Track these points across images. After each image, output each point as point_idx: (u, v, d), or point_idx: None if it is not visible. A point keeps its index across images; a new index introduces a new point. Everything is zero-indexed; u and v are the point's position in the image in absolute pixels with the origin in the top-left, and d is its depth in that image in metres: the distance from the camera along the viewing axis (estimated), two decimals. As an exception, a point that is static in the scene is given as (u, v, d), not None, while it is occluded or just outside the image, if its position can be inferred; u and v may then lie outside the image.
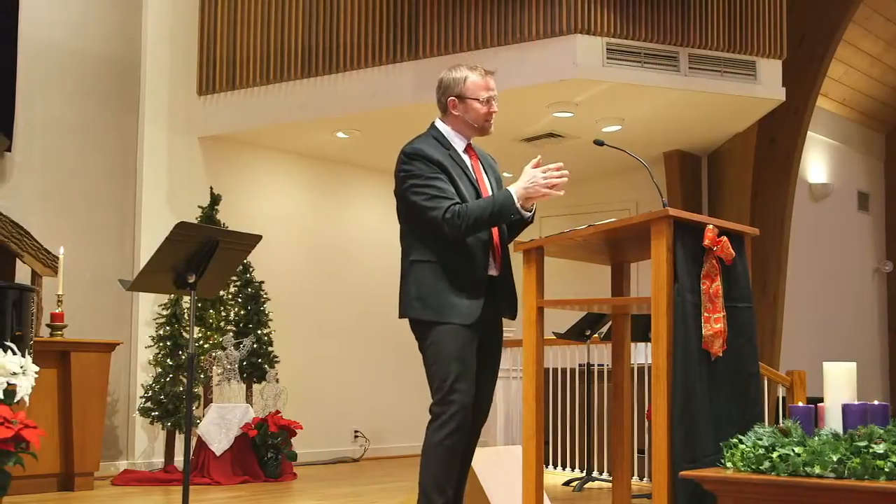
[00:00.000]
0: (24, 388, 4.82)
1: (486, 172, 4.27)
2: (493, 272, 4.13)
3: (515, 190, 3.98)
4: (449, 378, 3.98)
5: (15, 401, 4.75)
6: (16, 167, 7.88)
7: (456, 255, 4.03)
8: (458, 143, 4.22)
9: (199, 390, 8.26)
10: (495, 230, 4.14)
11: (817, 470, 3.16)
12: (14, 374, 4.79)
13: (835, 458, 3.15)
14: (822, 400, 3.57)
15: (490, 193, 4.16)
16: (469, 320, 4.00)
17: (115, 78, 8.61)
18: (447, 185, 4.04)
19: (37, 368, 5.04)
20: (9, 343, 4.95)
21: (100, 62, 8.51)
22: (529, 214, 4.12)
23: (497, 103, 4.25)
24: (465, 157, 4.21)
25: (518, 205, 3.97)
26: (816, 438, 3.28)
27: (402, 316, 4.15)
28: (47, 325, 7.29)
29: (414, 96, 7.91)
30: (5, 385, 4.70)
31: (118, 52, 8.63)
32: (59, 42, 8.24)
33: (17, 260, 7.31)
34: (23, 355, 5.05)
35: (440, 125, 4.26)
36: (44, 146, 8.08)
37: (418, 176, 4.05)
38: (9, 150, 7.73)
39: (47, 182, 8.08)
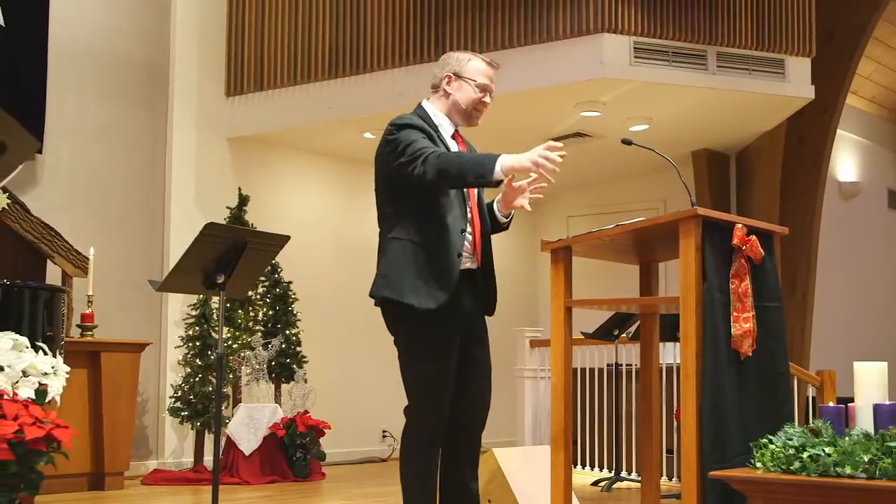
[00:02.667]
0: (56, 388, 4.85)
1: None
2: (471, 265, 3.95)
3: (503, 156, 3.67)
4: (422, 376, 3.89)
5: (46, 401, 4.78)
6: (46, 169, 7.94)
7: (431, 236, 3.84)
8: (447, 127, 4.04)
9: (228, 390, 8.30)
10: (477, 224, 3.97)
11: (848, 470, 3.14)
12: (45, 374, 4.82)
13: (866, 459, 3.13)
14: (852, 400, 3.55)
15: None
16: (435, 303, 3.79)
17: (144, 80, 8.66)
18: (428, 141, 3.84)
19: (68, 369, 5.07)
20: (40, 343, 4.98)
21: (129, 64, 8.56)
22: (506, 221, 4.05)
23: (491, 99, 4.04)
24: (453, 143, 4.02)
25: (498, 167, 3.63)
26: (847, 438, 3.25)
27: (371, 295, 3.98)
28: (78, 326, 7.35)
29: (441, 96, 7.91)
30: (37, 385, 4.73)
31: (147, 55, 8.68)
32: (89, 45, 8.30)
33: (48, 261, 7.36)
34: (54, 356, 5.08)
35: (426, 105, 4.07)
36: (74, 148, 8.14)
37: (400, 139, 3.84)
38: (40, 152, 7.80)
39: (77, 184, 8.14)
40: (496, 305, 4.10)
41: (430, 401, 3.89)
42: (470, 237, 3.96)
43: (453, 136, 4.06)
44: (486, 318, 4.13)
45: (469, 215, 3.97)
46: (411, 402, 3.94)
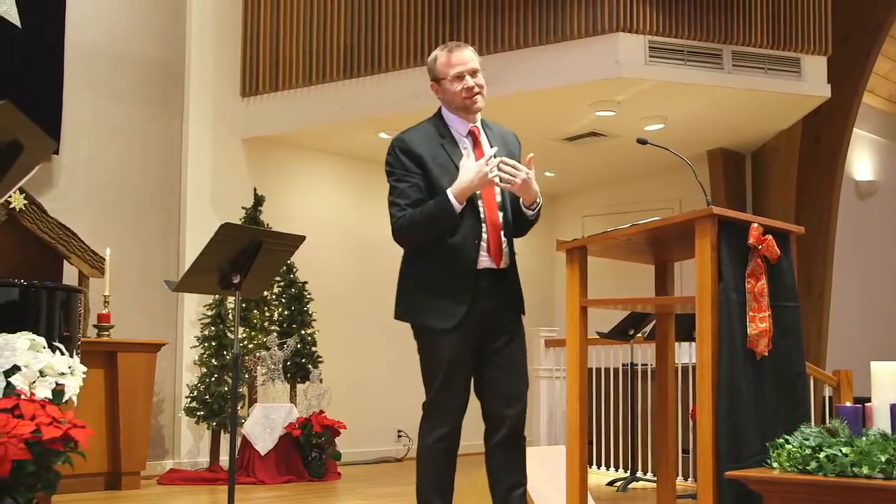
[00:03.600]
0: (72, 388, 4.87)
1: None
2: (489, 265, 3.91)
3: (451, 188, 3.79)
4: (437, 383, 3.90)
5: (63, 401, 4.80)
6: (63, 170, 7.97)
7: (443, 252, 3.86)
8: (460, 128, 4.03)
9: (244, 390, 8.32)
10: (492, 220, 3.92)
11: (865, 470, 3.13)
12: (62, 374, 4.84)
13: (883, 459, 3.12)
14: (869, 400, 3.53)
15: None
16: (453, 322, 3.83)
17: (160, 81, 8.69)
18: (414, 187, 3.88)
19: (84, 369, 5.09)
20: (57, 343, 5.01)
21: (145, 65, 8.59)
22: (532, 213, 3.98)
23: (474, 77, 3.96)
24: (465, 142, 3.99)
25: (452, 198, 3.76)
26: (864, 438, 3.24)
27: (395, 318, 4.05)
28: (94, 326, 7.38)
29: (456, 96, 7.91)
30: (54, 385, 4.75)
31: (163, 55, 8.71)
32: (105, 46, 8.33)
33: (65, 261, 7.40)
34: (70, 356, 5.11)
35: (443, 111, 4.09)
36: (90, 149, 8.17)
37: (392, 173, 3.95)
38: (56, 153, 7.83)
39: (94, 184, 8.17)
40: (524, 305, 4.07)
41: (448, 389, 3.90)
42: (486, 241, 3.92)
43: (470, 133, 4.04)
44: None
45: (483, 220, 3.92)
46: (432, 392, 3.96)
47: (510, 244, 4.01)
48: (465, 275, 3.86)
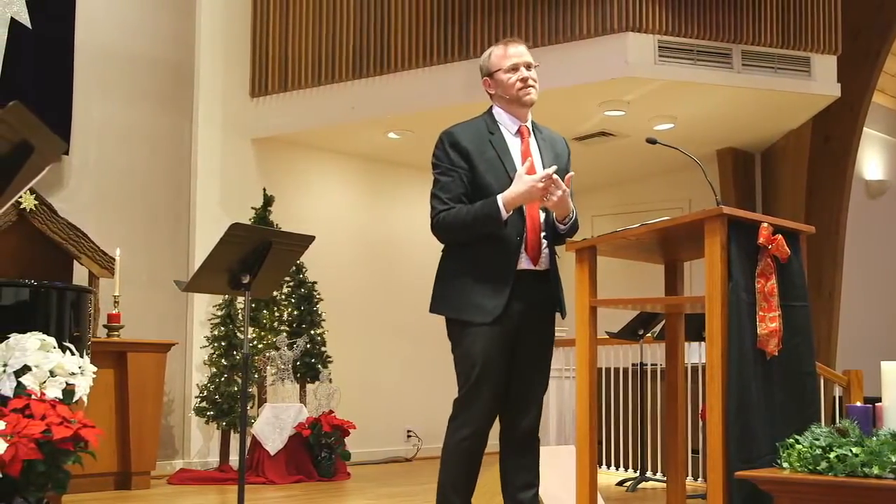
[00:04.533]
0: (83, 388, 4.88)
1: (541, 155, 4.06)
2: (526, 265, 3.93)
3: (503, 195, 3.82)
4: (470, 380, 3.88)
5: (73, 400, 4.81)
6: (73, 170, 7.99)
7: (484, 246, 3.89)
8: (510, 125, 4.06)
9: (254, 390, 8.33)
10: (532, 222, 3.95)
11: (876, 471, 3.12)
12: (72, 374, 4.85)
13: (894, 459, 3.11)
14: (879, 399, 3.52)
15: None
16: (490, 317, 3.85)
17: (169, 81, 8.71)
18: (458, 181, 3.92)
19: (94, 369, 5.10)
20: (67, 344, 5.02)
21: (154, 66, 8.61)
22: (564, 228, 4.00)
23: (529, 70, 4.04)
24: (515, 141, 4.04)
25: (503, 209, 3.79)
26: (875, 439, 3.23)
27: (430, 310, 4.05)
28: (104, 326, 7.39)
29: (465, 96, 7.91)
30: (64, 385, 4.76)
31: (172, 56, 8.73)
32: (115, 47, 8.34)
33: (75, 261, 7.42)
34: (81, 356, 5.12)
35: (494, 109, 4.13)
36: (100, 149, 8.19)
37: (438, 166, 3.98)
38: (66, 153, 7.85)
39: (103, 185, 8.19)
40: (564, 306, 4.08)
41: (485, 384, 3.89)
42: (525, 241, 3.94)
43: (518, 132, 4.07)
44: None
45: (525, 221, 3.94)
46: (467, 388, 3.92)
47: (550, 247, 4.04)
48: (506, 272, 3.89)
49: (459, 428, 3.93)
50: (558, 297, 4.07)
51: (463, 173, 3.93)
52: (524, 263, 3.94)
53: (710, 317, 3.67)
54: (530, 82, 4.03)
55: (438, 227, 3.93)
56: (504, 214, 3.80)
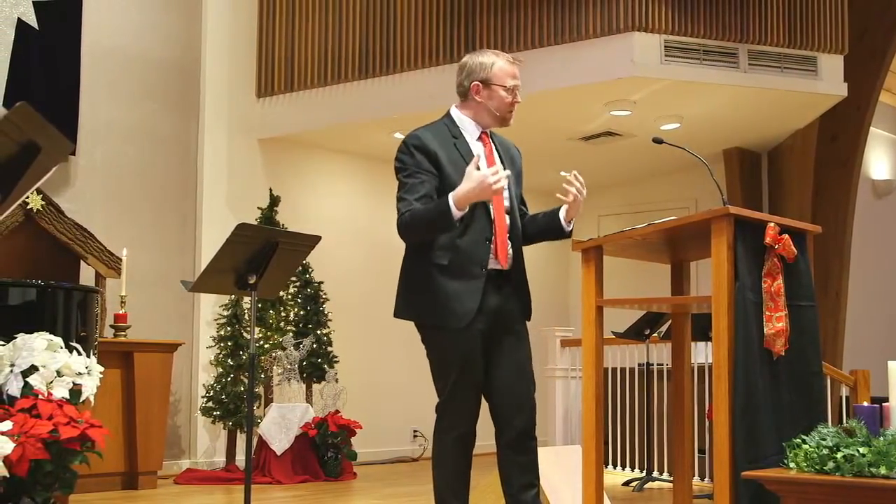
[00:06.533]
0: (89, 388, 4.88)
1: (501, 163, 4.06)
2: (495, 266, 3.91)
3: (453, 193, 3.73)
4: (448, 385, 3.89)
5: (80, 400, 4.82)
6: (80, 171, 8.00)
7: (452, 249, 3.86)
8: (472, 132, 4.05)
9: (260, 390, 8.34)
10: (499, 222, 3.93)
11: (883, 471, 3.12)
12: (79, 374, 4.85)
13: (901, 459, 3.11)
14: (886, 399, 3.52)
15: None
16: (465, 321, 3.83)
17: (176, 81, 8.72)
18: (424, 183, 3.88)
19: (101, 369, 5.10)
20: (74, 344, 5.02)
21: (161, 66, 8.62)
22: (570, 227, 4.05)
23: (520, 95, 4.06)
24: (478, 146, 4.02)
25: (453, 207, 3.71)
26: (882, 438, 3.23)
27: (395, 316, 4.06)
28: (111, 326, 7.40)
29: (471, 96, 7.91)
30: (71, 385, 4.76)
31: (179, 57, 8.74)
32: (122, 47, 8.36)
33: (82, 262, 7.43)
34: (87, 356, 5.12)
35: (455, 112, 4.08)
36: (107, 150, 8.20)
37: (404, 169, 3.94)
38: (73, 154, 7.87)
39: (110, 185, 8.20)
40: (531, 308, 4.08)
41: (462, 387, 3.90)
42: (493, 242, 3.92)
43: (480, 139, 4.06)
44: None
45: (493, 221, 3.93)
46: (445, 392, 3.95)
47: (515, 247, 4.01)
48: (477, 274, 3.87)
49: (447, 430, 3.95)
50: (526, 300, 4.06)
51: (430, 176, 3.90)
52: (493, 264, 3.92)
53: (716, 316, 3.67)
54: (515, 108, 4.07)
55: (402, 228, 3.89)
56: (455, 212, 3.73)
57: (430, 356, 3.97)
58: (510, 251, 3.98)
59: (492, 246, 3.90)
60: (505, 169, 3.92)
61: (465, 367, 3.87)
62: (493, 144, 4.10)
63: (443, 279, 3.86)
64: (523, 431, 3.97)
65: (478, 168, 3.74)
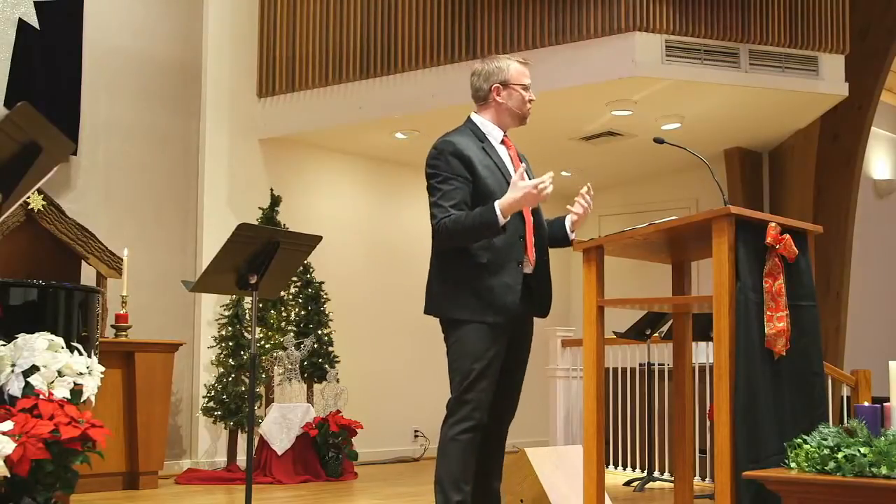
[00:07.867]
0: (90, 388, 4.88)
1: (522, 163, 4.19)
2: (527, 269, 4.05)
3: (500, 202, 3.88)
4: (470, 376, 3.95)
5: (81, 400, 4.82)
6: (81, 171, 8.00)
7: (487, 246, 3.96)
8: (495, 135, 4.18)
9: (261, 390, 8.34)
10: (529, 226, 4.06)
11: (884, 471, 3.11)
12: (80, 374, 4.86)
13: (902, 459, 3.11)
14: (887, 399, 3.52)
15: None
16: (500, 318, 3.94)
17: (177, 81, 8.72)
18: (459, 189, 3.98)
19: (102, 369, 5.10)
20: (75, 344, 5.02)
21: (162, 66, 8.62)
22: (574, 235, 4.20)
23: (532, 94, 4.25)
24: (502, 148, 4.17)
25: (500, 216, 3.85)
26: (883, 438, 3.23)
27: (426, 312, 4.12)
28: (112, 326, 7.41)
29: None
30: (72, 385, 4.76)
31: (180, 56, 8.74)
32: (123, 47, 8.36)
33: (83, 262, 7.43)
34: (89, 356, 5.12)
35: (476, 118, 4.22)
36: (108, 150, 8.20)
37: (437, 175, 4.02)
38: (74, 154, 7.87)
39: (111, 185, 8.21)
40: (550, 308, 4.20)
41: (483, 379, 3.96)
42: (525, 241, 4.05)
43: (503, 142, 4.20)
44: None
45: (524, 220, 4.06)
46: (465, 384, 3.99)
47: (540, 247, 4.13)
48: (513, 270, 3.99)
49: (459, 422, 3.98)
50: (548, 300, 4.19)
51: (464, 182, 4.00)
52: (525, 267, 4.06)
53: (717, 316, 3.67)
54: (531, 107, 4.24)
55: (441, 234, 3.96)
56: (501, 220, 3.87)
57: (455, 350, 4.04)
58: (535, 251, 4.09)
59: (525, 243, 4.04)
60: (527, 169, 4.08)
61: (493, 361, 3.97)
62: (515, 147, 4.24)
63: (483, 276, 3.96)
64: (507, 425, 4.20)
65: (523, 178, 3.89)
